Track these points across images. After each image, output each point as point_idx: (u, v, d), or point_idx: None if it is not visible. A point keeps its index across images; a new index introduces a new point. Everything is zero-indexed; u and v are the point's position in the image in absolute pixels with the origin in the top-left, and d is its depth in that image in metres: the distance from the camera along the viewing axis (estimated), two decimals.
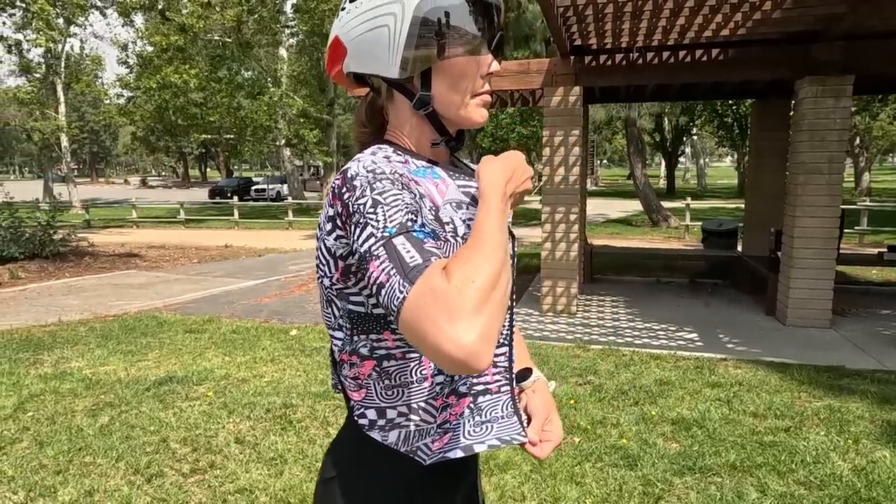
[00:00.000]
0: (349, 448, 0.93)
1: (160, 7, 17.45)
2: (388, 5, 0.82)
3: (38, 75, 23.00)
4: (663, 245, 12.07)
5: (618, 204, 24.28)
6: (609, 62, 5.89)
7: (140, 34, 18.47)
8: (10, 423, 3.40)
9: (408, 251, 0.70)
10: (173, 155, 52.26)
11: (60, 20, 18.92)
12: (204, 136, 27.57)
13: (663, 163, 33.93)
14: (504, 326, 0.95)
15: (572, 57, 5.86)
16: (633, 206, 20.71)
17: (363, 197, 0.75)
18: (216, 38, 18.15)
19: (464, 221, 0.87)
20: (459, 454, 0.89)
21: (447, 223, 0.85)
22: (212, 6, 16.90)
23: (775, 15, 4.85)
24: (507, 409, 0.95)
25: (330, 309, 0.89)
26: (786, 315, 5.57)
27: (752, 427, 3.24)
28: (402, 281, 0.68)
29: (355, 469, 0.91)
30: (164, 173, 69.57)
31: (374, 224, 0.73)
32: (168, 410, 3.52)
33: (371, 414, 0.89)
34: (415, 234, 0.72)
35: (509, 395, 0.96)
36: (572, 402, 3.60)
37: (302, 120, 20.65)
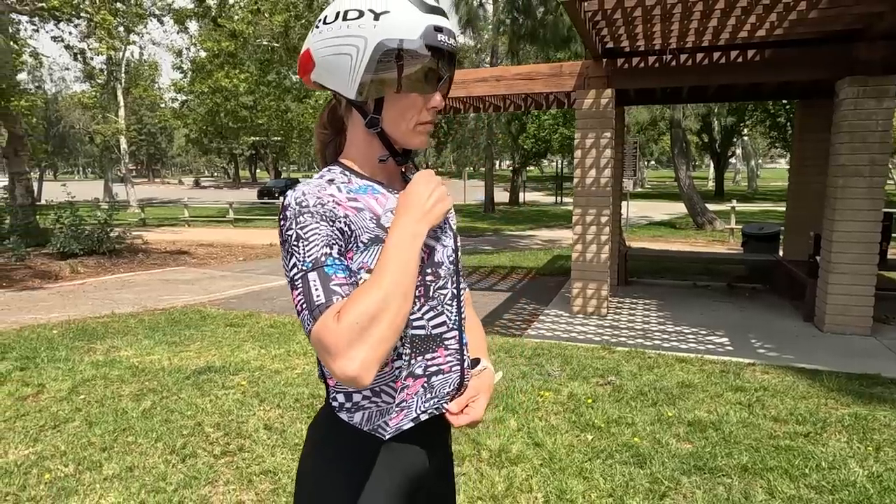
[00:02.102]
0: (321, 429, 1.06)
1: (212, 14, 18.16)
2: (353, 38, 0.94)
3: (100, 81, 24.25)
4: (705, 248, 11.84)
5: (663, 206, 23.84)
6: (642, 64, 5.88)
7: (193, 40, 19.27)
8: (65, 404, 3.70)
9: (316, 289, 0.88)
10: (225, 156, 54.06)
11: (121, 29, 19.93)
12: (253, 138, 28.54)
13: (712, 164, 33.02)
14: (452, 314, 1.07)
15: (604, 59, 5.88)
16: (679, 208, 20.29)
17: (290, 229, 0.92)
18: (265, 43, 18.76)
19: None
20: (409, 425, 1.03)
21: (388, 227, 0.98)
22: (261, 13, 17.49)
23: (812, 15, 4.76)
24: (453, 385, 1.07)
25: None
26: (823, 321, 5.44)
27: (771, 431, 3.23)
28: (308, 316, 0.87)
29: (324, 447, 1.04)
30: (216, 174, 72.02)
31: (297, 256, 0.90)
32: (205, 397, 3.76)
33: (341, 398, 1.02)
34: (326, 269, 0.89)
35: (459, 373, 1.08)
36: (590, 401, 3.65)
37: None
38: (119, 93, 24.03)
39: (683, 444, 3.09)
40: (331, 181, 0.98)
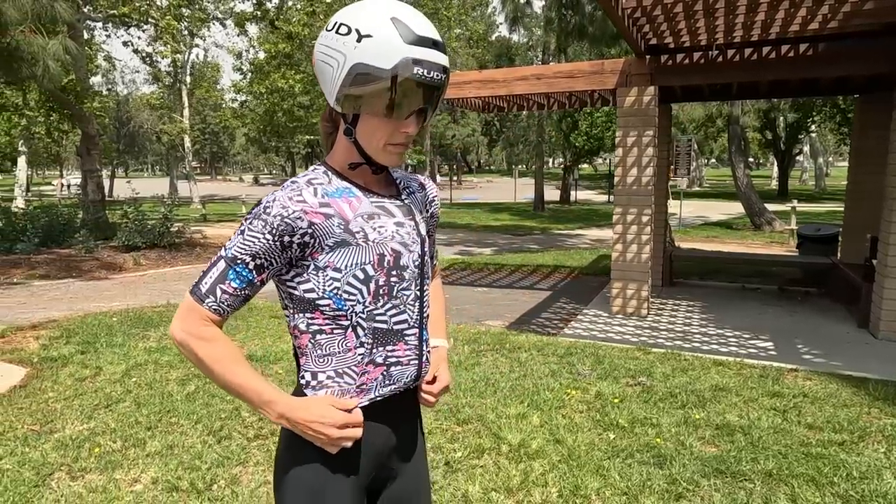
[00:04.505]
0: None
1: (271, 17, 18.78)
2: (337, 52, 1.01)
3: (166, 83, 25.48)
4: (762, 250, 11.40)
5: (720, 206, 23.02)
6: (687, 60, 5.75)
7: (252, 43, 19.96)
8: (118, 386, 3.98)
9: (211, 276, 1.04)
10: (282, 154, 55.65)
11: (185, 33, 20.87)
12: (308, 136, 29.29)
13: (776, 162, 31.58)
14: (413, 313, 1.15)
15: (648, 56, 5.78)
16: (737, 208, 19.54)
17: (245, 220, 1.05)
18: None
19: (374, 229, 1.08)
20: (366, 403, 1.12)
21: (357, 232, 1.06)
22: (316, 14, 17.96)
23: (868, 6, 4.54)
24: (411, 377, 1.16)
25: (279, 292, 1.13)
26: (878, 327, 5.19)
27: (803, 438, 3.13)
28: (194, 286, 1.06)
29: None
30: (274, 171, 74.25)
31: (230, 242, 1.05)
32: None
33: (307, 376, 1.12)
34: (230, 272, 1.03)
35: (416, 367, 1.16)
36: (617, 400, 3.63)
37: None
38: (184, 94, 25.18)
39: (708, 448, 3.04)
40: (310, 182, 1.07)
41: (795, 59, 5.37)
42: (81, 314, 6.10)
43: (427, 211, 1.25)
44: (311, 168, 1.13)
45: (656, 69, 5.80)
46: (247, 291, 1.05)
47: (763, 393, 3.79)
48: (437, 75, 1.01)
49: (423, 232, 1.19)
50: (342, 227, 1.05)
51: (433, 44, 1.00)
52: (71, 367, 4.37)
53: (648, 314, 6.10)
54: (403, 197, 1.19)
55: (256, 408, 1.06)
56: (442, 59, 1.02)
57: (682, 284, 7.83)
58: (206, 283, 1.03)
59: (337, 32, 1.01)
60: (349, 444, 1.07)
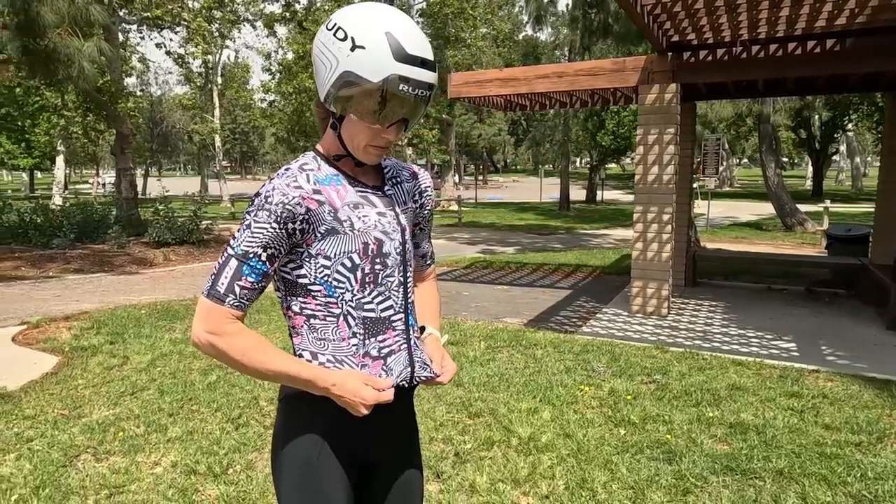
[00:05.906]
0: (287, 387, 1.20)
1: (299, 18, 19.05)
2: (331, 55, 1.06)
3: (198, 83, 26.02)
4: (791, 251, 11.16)
5: (751, 206, 22.58)
6: (710, 57, 5.68)
7: (280, 43, 20.28)
8: (143, 374, 4.12)
9: (226, 276, 1.07)
10: None
11: (216, 34, 21.31)
12: None
13: (810, 162, 30.79)
14: (398, 299, 1.19)
15: (669, 53, 5.73)
16: (768, 208, 19.14)
17: (248, 214, 1.08)
18: None
19: (359, 218, 1.13)
20: None
21: (345, 221, 1.11)
22: None
23: None
24: (405, 362, 1.20)
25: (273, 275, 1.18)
26: None
27: (819, 439, 3.09)
28: (208, 288, 1.08)
29: (288, 402, 1.19)
30: None
31: (238, 239, 1.08)
32: None
33: (307, 355, 1.16)
34: (245, 267, 1.07)
35: (407, 350, 1.20)
36: (630, 397, 3.63)
37: (422, 120, 21.48)
38: (215, 94, 25.69)
39: (719, 445, 3.03)
40: (302, 168, 1.12)
41: (822, 56, 5.26)
42: (112, 307, 6.31)
43: (416, 201, 1.29)
44: (303, 154, 1.18)
45: (678, 66, 5.74)
46: (262, 283, 1.09)
47: (781, 393, 3.74)
48: (422, 93, 1.06)
49: (404, 222, 1.23)
50: (332, 214, 1.10)
51: (422, 63, 1.05)
52: (100, 356, 4.54)
53: (669, 314, 6.04)
54: (387, 188, 1.23)
55: (292, 381, 1.11)
56: (429, 77, 1.06)
57: (705, 284, 7.73)
58: (222, 284, 1.07)
59: (334, 35, 1.05)
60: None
